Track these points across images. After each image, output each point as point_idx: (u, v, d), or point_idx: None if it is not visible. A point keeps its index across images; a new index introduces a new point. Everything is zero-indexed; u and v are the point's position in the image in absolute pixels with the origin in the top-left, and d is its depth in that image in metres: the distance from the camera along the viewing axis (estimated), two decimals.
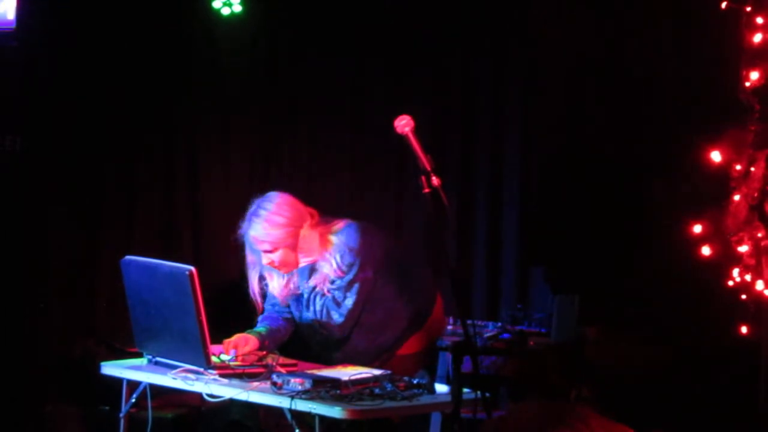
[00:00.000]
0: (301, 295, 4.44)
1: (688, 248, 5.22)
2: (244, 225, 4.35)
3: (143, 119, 6.21)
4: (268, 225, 4.31)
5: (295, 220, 4.33)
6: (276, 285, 4.46)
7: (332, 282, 4.35)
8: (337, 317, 4.37)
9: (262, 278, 4.47)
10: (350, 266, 4.33)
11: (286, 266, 4.39)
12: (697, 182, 5.23)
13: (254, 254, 4.40)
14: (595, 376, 2.34)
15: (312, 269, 4.40)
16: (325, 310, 4.38)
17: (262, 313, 4.53)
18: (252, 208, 4.36)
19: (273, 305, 4.53)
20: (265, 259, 4.36)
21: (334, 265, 4.33)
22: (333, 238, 4.37)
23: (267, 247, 4.33)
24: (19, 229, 5.85)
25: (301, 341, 4.54)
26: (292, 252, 4.35)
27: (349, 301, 4.35)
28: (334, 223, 4.43)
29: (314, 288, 4.39)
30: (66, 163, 6.02)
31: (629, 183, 5.71)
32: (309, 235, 4.37)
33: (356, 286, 4.35)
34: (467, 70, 6.27)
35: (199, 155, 6.36)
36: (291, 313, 4.52)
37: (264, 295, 4.50)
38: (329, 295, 4.37)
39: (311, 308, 4.41)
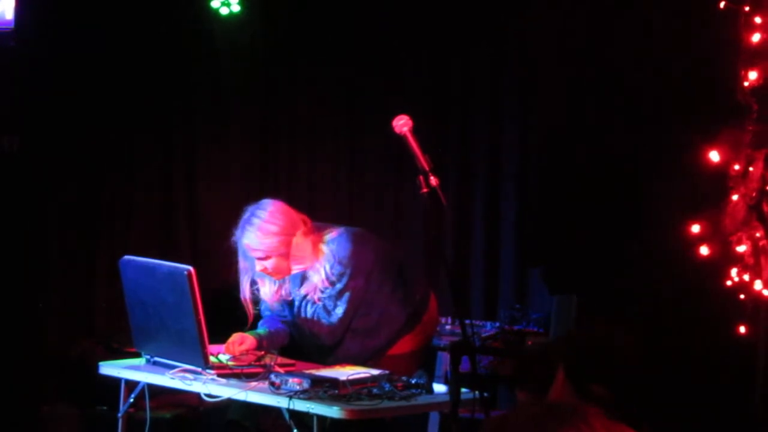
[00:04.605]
0: (293, 301, 4.43)
1: (686, 248, 5.22)
2: (237, 232, 4.34)
3: (142, 119, 6.21)
4: (261, 233, 4.29)
5: (288, 228, 4.32)
6: (267, 290, 4.45)
7: (323, 291, 4.34)
8: (327, 326, 4.35)
9: (254, 283, 4.46)
10: (340, 276, 4.32)
11: (278, 273, 4.38)
12: (695, 182, 5.22)
13: (247, 260, 4.38)
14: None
15: (303, 277, 4.39)
16: (315, 318, 4.36)
17: (254, 319, 4.50)
18: (245, 216, 4.34)
19: (266, 308, 4.51)
20: (258, 266, 4.35)
21: (324, 275, 4.32)
22: (324, 248, 4.36)
23: (260, 254, 4.32)
24: (18, 230, 5.84)
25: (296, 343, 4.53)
26: (284, 260, 4.34)
27: (340, 310, 4.34)
28: (327, 230, 4.41)
29: (305, 296, 4.38)
30: (64, 164, 6.02)
31: (628, 183, 5.70)
32: (302, 243, 4.36)
33: (347, 295, 4.33)
34: (466, 72, 6.26)
35: (197, 155, 6.37)
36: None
37: (256, 300, 4.49)
38: (320, 303, 4.35)
39: (302, 316, 4.39)
